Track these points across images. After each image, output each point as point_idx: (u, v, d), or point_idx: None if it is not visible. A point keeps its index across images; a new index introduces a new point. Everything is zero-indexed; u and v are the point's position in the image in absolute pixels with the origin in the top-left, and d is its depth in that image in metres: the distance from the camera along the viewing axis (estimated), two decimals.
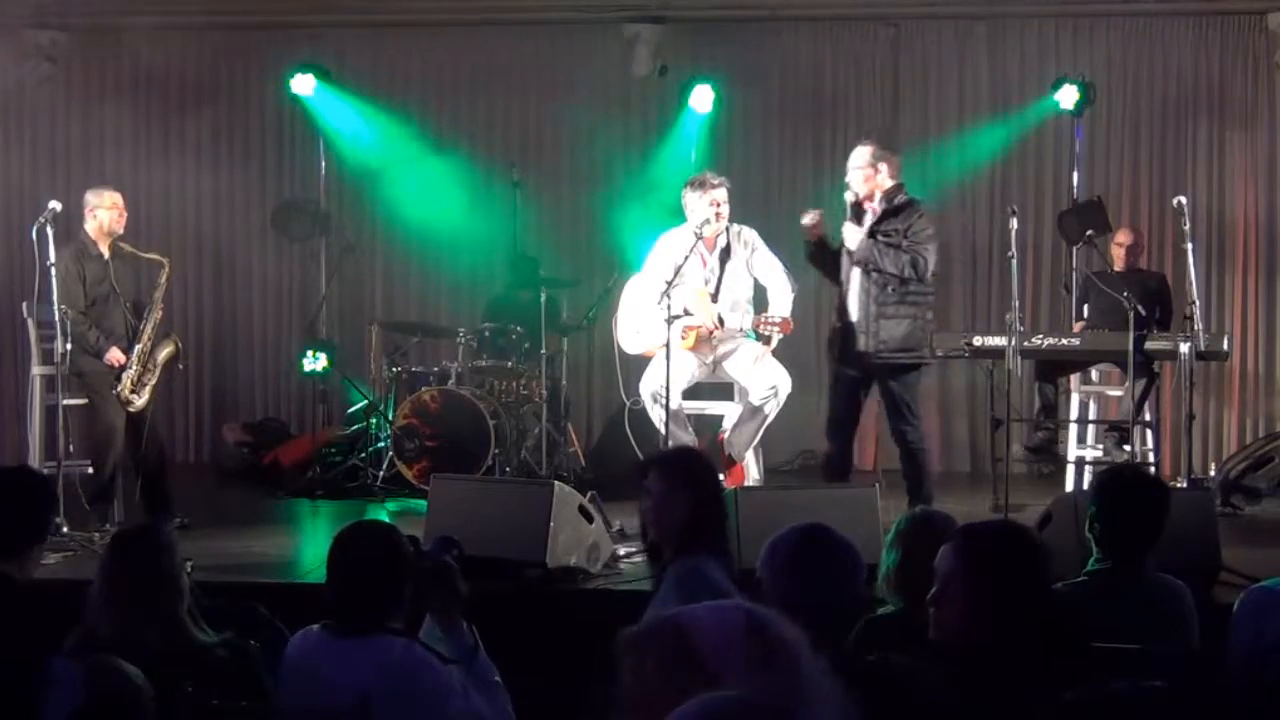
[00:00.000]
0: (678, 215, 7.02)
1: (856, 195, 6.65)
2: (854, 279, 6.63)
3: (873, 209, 6.64)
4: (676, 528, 3.72)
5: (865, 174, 6.65)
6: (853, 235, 6.59)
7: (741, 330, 6.73)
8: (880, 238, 6.54)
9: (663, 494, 3.76)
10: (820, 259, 6.81)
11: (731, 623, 1.77)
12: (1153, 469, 7.61)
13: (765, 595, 3.00)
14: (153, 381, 7.03)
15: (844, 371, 6.66)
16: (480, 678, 3.26)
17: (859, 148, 6.77)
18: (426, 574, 3.26)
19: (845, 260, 6.67)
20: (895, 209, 6.61)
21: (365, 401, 8.50)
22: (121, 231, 7.07)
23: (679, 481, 3.77)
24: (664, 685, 1.72)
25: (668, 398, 6.45)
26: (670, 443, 6.55)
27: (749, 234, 6.90)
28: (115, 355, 6.87)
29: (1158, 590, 3.75)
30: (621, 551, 6.06)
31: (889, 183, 6.64)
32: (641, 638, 1.80)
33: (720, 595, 3.46)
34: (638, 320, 6.89)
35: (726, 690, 1.65)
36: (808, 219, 6.73)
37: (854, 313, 6.60)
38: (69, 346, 6.65)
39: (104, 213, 6.99)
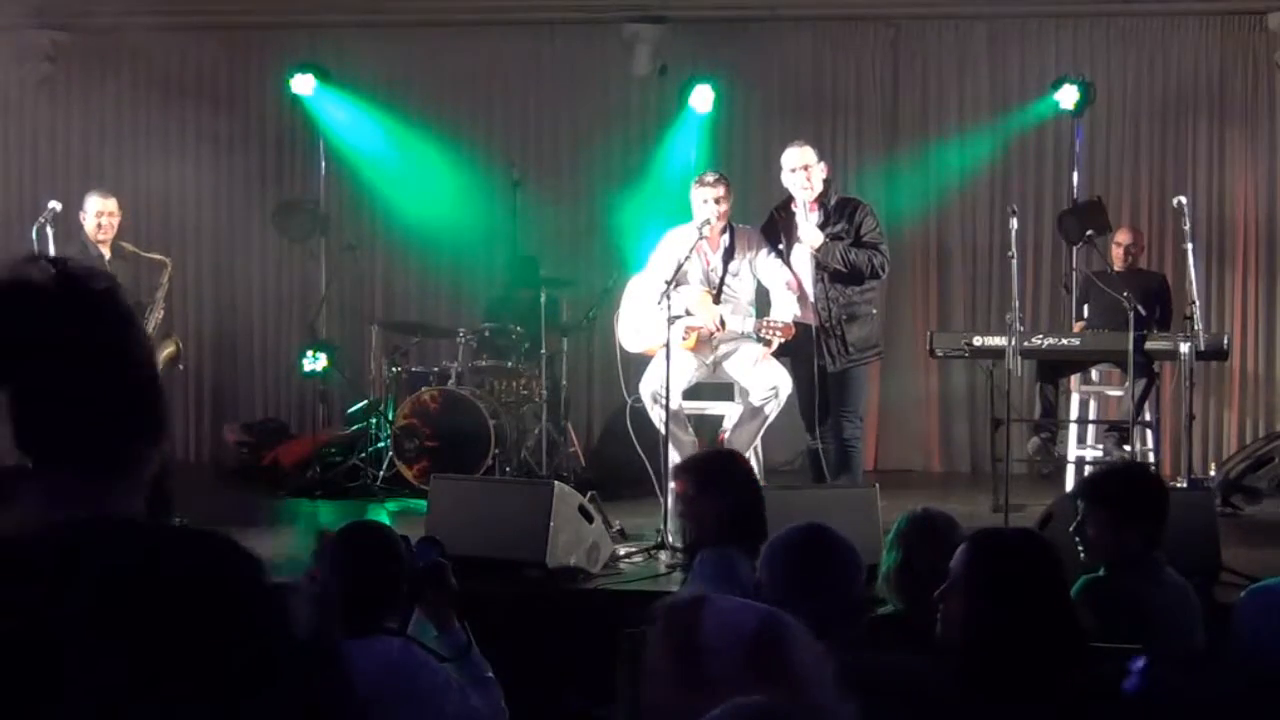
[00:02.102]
0: (677, 215, 7.01)
1: (809, 196, 6.61)
2: (806, 285, 6.64)
3: (817, 210, 6.63)
4: (710, 526, 3.83)
5: (821, 169, 6.65)
6: (815, 236, 6.58)
7: (743, 333, 6.69)
8: (831, 239, 6.58)
9: (693, 496, 3.90)
10: None
11: (743, 625, 1.77)
12: (1153, 469, 7.62)
13: (765, 596, 3.00)
14: None
15: (807, 372, 6.65)
16: (474, 674, 3.27)
17: (803, 148, 6.69)
18: (421, 573, 3.26)
19: (797, 263, 6.68)
20: (838, 208, 6.65)
21: (365, 402, 8.50)
22: (108, 238, 7.10)
23: (710, 481, 3.89)
24: (668, 662, 1.74)
25: (667, 398, 6.44)
26: (670, 443, 6.55)
27: (754, 235, 6.86)
28: None
29: (1171, 584, 3.74)
30: (621, 551, 6.06)
31: (822, 183, 6.67)
32: (670, 610, 1.82)
33: (744, 589, 3.49)
34: (639, 319, 6.87)
35: (717, 682, 1.66)
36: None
37: (811, 317, 6.60)
38: None
39: (90, 219, 7.10)
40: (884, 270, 6.69)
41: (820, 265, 6.58)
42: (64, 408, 1.55)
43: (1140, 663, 2.77)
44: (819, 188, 6.64)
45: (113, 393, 1.59)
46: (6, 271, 1.55)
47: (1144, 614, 3.59)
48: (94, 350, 1.57)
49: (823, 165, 6.70)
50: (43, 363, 1.55)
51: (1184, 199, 7.30)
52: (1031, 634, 2.66)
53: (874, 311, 6.79)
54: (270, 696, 1.38)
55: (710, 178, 6.78)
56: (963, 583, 2.77)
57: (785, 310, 6.67)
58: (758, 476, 4.07)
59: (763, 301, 6.94)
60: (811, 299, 6.63)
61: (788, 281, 6.69)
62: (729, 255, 6.79)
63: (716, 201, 6.66)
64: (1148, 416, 7.59)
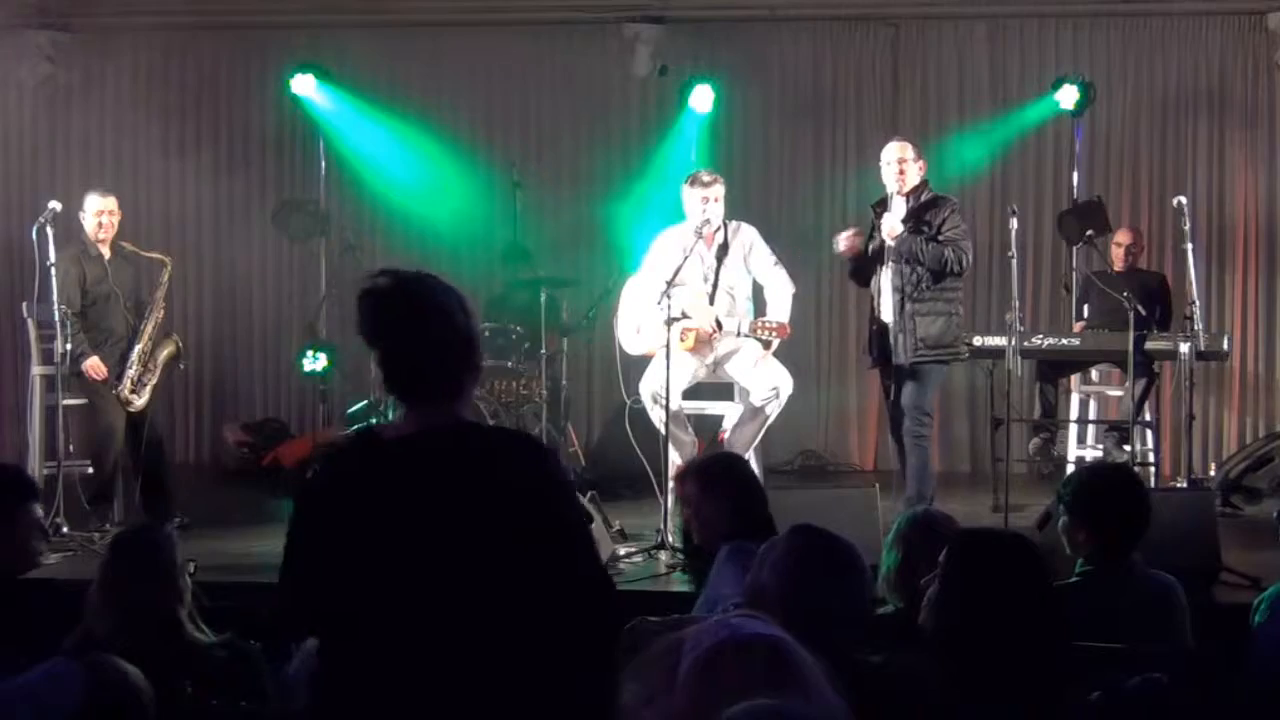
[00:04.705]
0: (678, 215, 7.01)
1: (900, 190, 6.62)
2: (885, 278, 6.60)
3: (905, 202, 6.63)
4: (719, 524, 3.90)
5: (920, 166, 6.69)
6: (895, 228, 6.53)
7: (739, 333, 6.67)
8: (910, 232, 6.53)
9: (698, 496, 3.97)
10: (862, 273, 6.84)
11: (706, 643, 1.79)
12: (1153, 469, 7.63)
13: (768, 599, 2.99)
14: (153, 381, 7.04)
15: (887, 372, 6.64)
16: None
17: (900, 144, 6.76)
18: None
19: (878, 262, 6.66)
20: (924, 204, 6.61)
21: (365, 402, 8.50)
22: (108, 237, 7.09)
23: (713, 481, 3.97)
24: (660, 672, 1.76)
25: (667, 398, 6.43)
26: (670, 443, 6.55)
27: (748, 231, 6.85)
28: (94, 365, 6.86)
29: (1147, 587, 3.74)
30: (621, 551, 6.06)
31: (918, 178, 6.68)
32: (697, 635, 1.82)
33: None
34: (638, 320, 6.87)
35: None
36: (842, 245, 6.73)
37: (888, 313, 6.56)
38: (69, 346, 6.66)
39: (90, 219, 7.07)
40: (961, 265, 6.49)
41: (898, 257, 6.53)
42: (411, 364, 2.54)
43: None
44: (912, 183, 6.65)
45: (439, 351, 2.52)
46: (363, 283, 2.64)
47: (1116, 617, 3.58)
48: (420, 326, 2.54)
49: (921, 164, 6.72)
50: (392, 339, 2.56)
51: (1184, 199, 7.29)
52: (1010, 634, 2.67)
53: (953, 311, 6.58)
54: (562, 501, 2.53)
55: (706, 177, 6.78)
56: (944, 581, 2.79)
57: (780, 310, 6.67)
58: (758, 476, 4.10)
59: (760, 301, 6.93)
60: (889, 291, 6.59)
61: (779, 283, 6.71)
62: (723, 252, 6.79)
63: (715, 201, 6.67)
64: (1148, 416, 7.59)
